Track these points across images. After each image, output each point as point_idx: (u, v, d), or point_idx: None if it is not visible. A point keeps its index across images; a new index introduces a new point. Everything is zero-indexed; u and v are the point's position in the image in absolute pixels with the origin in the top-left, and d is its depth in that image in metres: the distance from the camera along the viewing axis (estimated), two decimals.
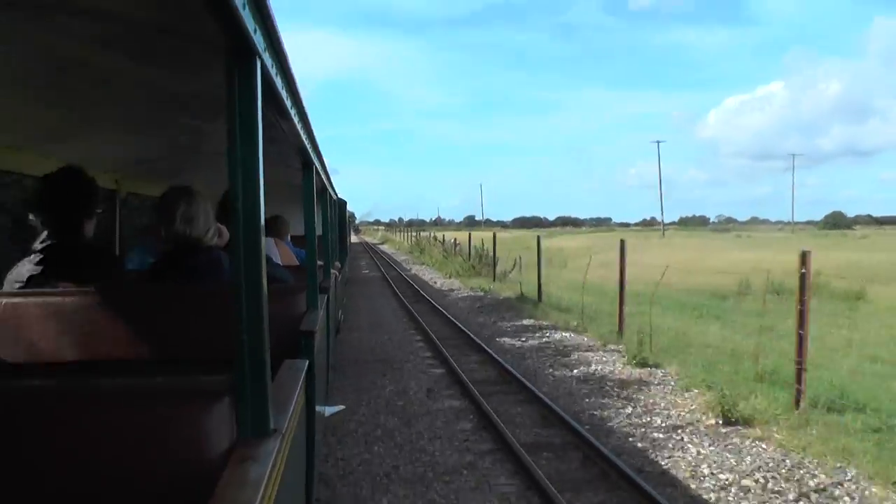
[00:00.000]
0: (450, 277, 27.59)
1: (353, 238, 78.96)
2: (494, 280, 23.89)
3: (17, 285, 3.32)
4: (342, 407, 8.31)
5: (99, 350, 3.07)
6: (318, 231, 4.80)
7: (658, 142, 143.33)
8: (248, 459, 1.67)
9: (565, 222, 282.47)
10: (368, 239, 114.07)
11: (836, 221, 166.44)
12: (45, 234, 3.37)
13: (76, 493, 1.81)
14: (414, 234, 71.14)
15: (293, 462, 2.24)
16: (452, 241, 37.63)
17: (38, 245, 3.39)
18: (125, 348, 3.09)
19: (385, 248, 68.77)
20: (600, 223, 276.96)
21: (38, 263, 3.34)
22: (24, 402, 1.90)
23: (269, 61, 1.89)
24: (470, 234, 33.50)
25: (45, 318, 3.06)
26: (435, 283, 26.04)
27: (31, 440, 1.81)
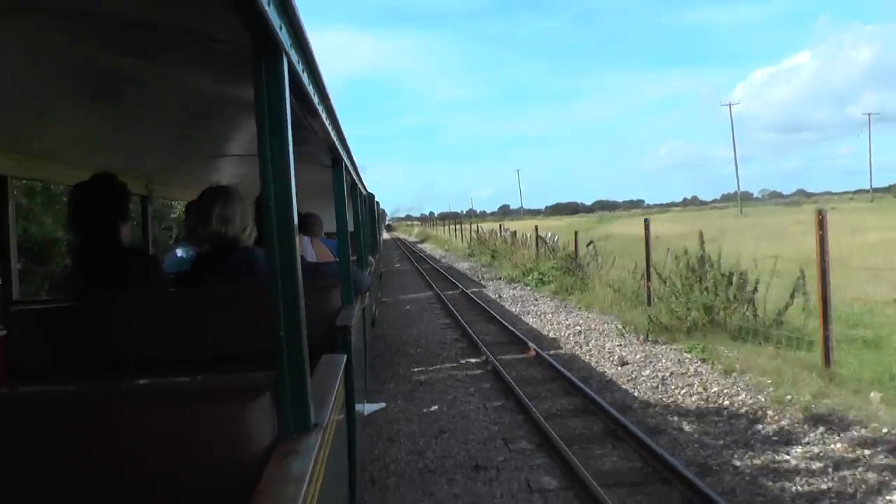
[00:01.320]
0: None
1: (385, 235, 67.96)
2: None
3: (56, 291, 3.38)
4: (383, 405, 8.25)
5: (139, 354, 3.11)
6: (350, 227, 4.80)
7: (730, 104, 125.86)
8: (290, 454, 1.68)
9: (603, 206, 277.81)
10: (403, 236, 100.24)
11: None
12: (80, 238, 3.42)
13: (117, 496, 1.83)
14: (455, 226, 62.20)
15: (335, 457, 2.25)
16: (511, 233, 30.17)
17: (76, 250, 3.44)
18: (165, 351, 3.12)
19: (427, 248, 54.57)
20: (633, 206, 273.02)
21: (75, 267, 3.39)
22: (65, 406, 1.92)
23: (295, 58, 1.89)
24: (536, 226, 26.18)
25: (84, 324, 3.10)
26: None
27: (70, 444, 1.83)
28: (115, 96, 3.23)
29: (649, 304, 13.25)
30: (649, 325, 11.20)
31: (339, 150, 3.75)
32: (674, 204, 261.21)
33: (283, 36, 1.70)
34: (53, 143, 3.79)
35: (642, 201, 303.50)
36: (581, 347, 11.05)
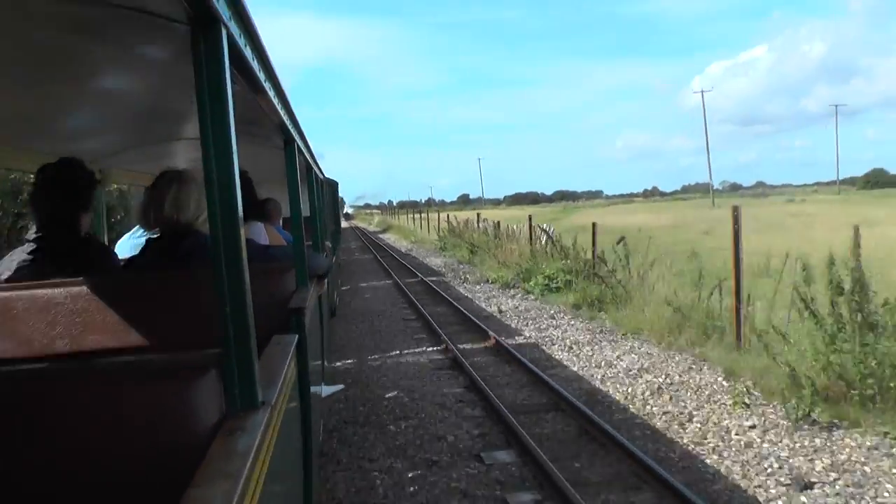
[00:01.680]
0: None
1: (343, 224, 66.01)
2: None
3: (6, 274, 3.31)
4: (341, 386, 8.26)
5: (91, 341, 3.06)
6: (306, 212, 4.77)
7: (703, 91, 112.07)
8: (236, 431, 1.67)
9: (564, 196, 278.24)
10: (363, 225, 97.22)
11: (879, 179, 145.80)
12: (36, 225, 3.36)
13: (66, 470, 1.82)
14: (417, 215, 61.30)
15: (286, 436, 2.25)
16: (495, 224, 26.16)
17: (31, 235, 3.37)
18: (117, 338, 3.08)
19: (390, 238, 51.32)
20: (593, 196, 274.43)
21: (30, 254, 3.32)
22: (13, 385, 1.90)
23: (235, 30, 1.86)
24: (530, 216, 22.09)
25: (35, 311, 3.05)
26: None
27: (20, 422, 1.82)
28: (59, 76, 3.15)
29: (739, 340, 8.83)
30: (811, 394, 6.54)
31: (291, 130, 3.72)
32: (634, 195, 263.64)
33: (221, 6, 1.67)
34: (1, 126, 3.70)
35: (601, 192, 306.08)
36: (686, 430, 6.53)
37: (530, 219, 21.56)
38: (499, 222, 25.93)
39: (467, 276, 21.05)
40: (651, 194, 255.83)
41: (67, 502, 1.84)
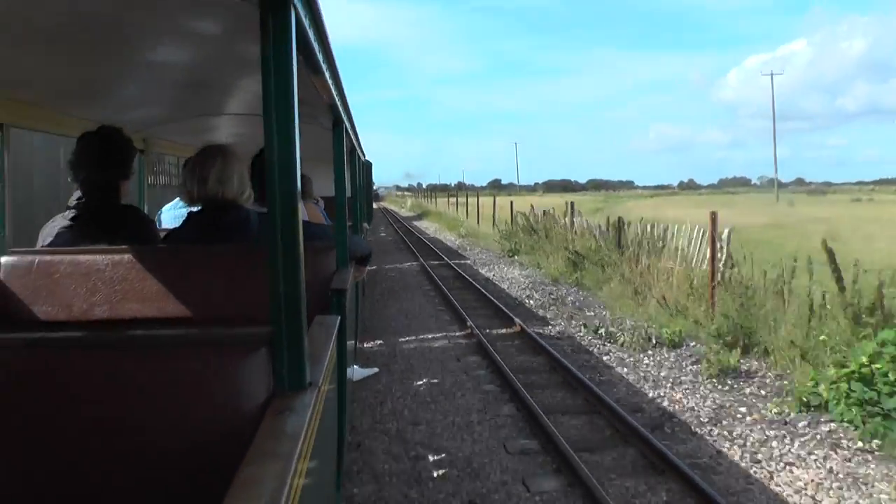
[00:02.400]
0: None
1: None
2: None
3: (49, 240, 3.35)
4: (375, 370, 8.25)
5: (130, 309, 3.10)
6: (348, 193, 4.79)
7: (772, 74, 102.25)
8: (285, 411, 1.68)
9: (596, 185, 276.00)
10: (394, 208, 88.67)
11: None
12: (78, 192, 3.40)
13: (112, 443, 1.84)
14: (452, 199, 56.71)
15: (327, 417, 2.26)
16: (611, 223, 16.69)
17: (72, 201, 3.41)
18: (156, 307, 3.11)
19: (428, 228, 41.04)
20: (623, 186, 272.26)
21: (71, 220, 3.36)
22: (61, 353, 1.92)
23: (303, 12, 1.87)
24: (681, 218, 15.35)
25: (77, 277, 3.09)
26: None
27: (66, 392, 1.84)
28: (113, 46, 3.17)
29: None
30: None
31: (341, 111, 3.72)
32: (667, 187, 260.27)
33: None
34: (49, 92, 3.74)
35: (632, 182, 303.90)
36: None
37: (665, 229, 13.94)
38: (622, 220, 15.85)
39: (594, 320, 11.79)
40: (687, 187, 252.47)
41: (106, 475, 1.86)
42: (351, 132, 5.02)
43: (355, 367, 5.29)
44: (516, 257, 22.03)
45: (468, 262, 21.63)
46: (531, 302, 13.84)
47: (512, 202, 29.52)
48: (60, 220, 3.42)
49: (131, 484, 1.85)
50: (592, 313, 12.51)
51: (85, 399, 1.85)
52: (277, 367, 1.79)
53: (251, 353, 1.82)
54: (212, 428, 1.84)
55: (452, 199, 57.56)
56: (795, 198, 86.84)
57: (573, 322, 11.69)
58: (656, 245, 14.00)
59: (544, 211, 23.90)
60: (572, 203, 20.62)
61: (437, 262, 20.93)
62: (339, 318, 2.94)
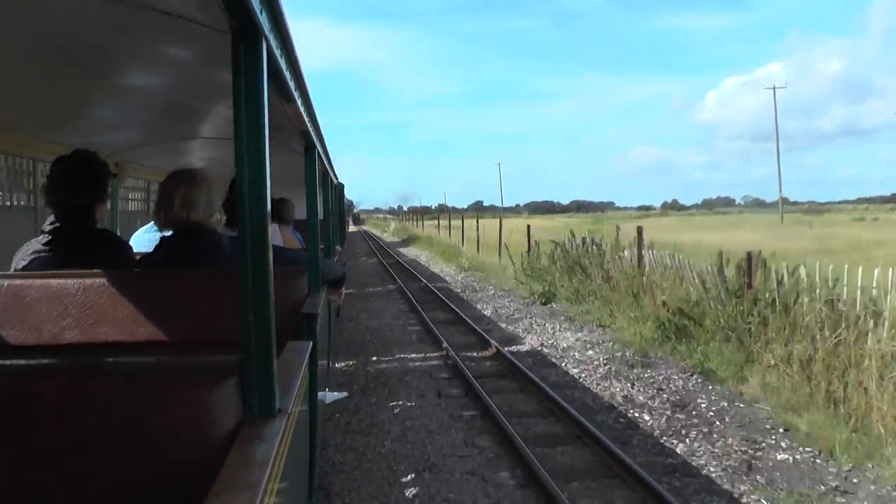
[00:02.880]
0: None
1: (351, 228, 60.83)
2: None
3: (22, 264, 3.33)
4: (345, 394, 8.19)
5: (101, 334, 3.08)
6: (320, 216, 4.80)
7: (774, 88, 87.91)
8: (254, 439, 1.68)
9: (580, 207, 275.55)
10: (376, 232, 79.11)
11: None
12: (52, 216, 3.38)
13: (79, 469, 1.83)
14: (433, 222, 54.83)
15: (297, 443, 2.26)
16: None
17: (46, 226, 3.39)
18: (127, 332, 3.09)
19: (420, 257, 33.98)
20: (605, 207, 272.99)
21: (45, 244, 3.35)
22: (28, 379, 1.91)
23: (274, 42, 1.89)
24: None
25: (48, 301, 3.07)
26: None
27: (34, 418, 1.83)
28: (88, 71, 3.18)
29: None
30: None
31: (313, 137, 3.74)
32: (649, 207, 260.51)
33: (263, 20, 1.70)
34: (23, 116, 3.74)
35: (613, 203, 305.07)
36: None
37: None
38: (752, 257, 9.57)
39: (793, 479, 5.82)
40: (671, 207, 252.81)
41: (73, 502, 1.84)
42: (323, 156, 5.05)
43: (327, 390, 5.27)
44: (553, 305, 15.30)
45: (487, 312, 14.70)
46: (640, 415, 7.51)
47: (501, 224, 26.24)
48: (35, 245, 3.40)
49: None
50: (776, 455, 6.32)
51: (52, 425, 1.84)
52: (247, 394, 1.79)
53: (221, 380, 1.82)
54: (181, 456, 1.83)
55: (438, 223, 52.36)
56: (798, 218, 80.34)
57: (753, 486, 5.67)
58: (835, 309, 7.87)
59: (585, 238, 16.99)
60: (640, 229, 13.67)
61: (444, 317, 13.91)
62: (311, 343, 2.95)
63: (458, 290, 19.10)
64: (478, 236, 30.57)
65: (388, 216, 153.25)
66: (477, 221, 32.89)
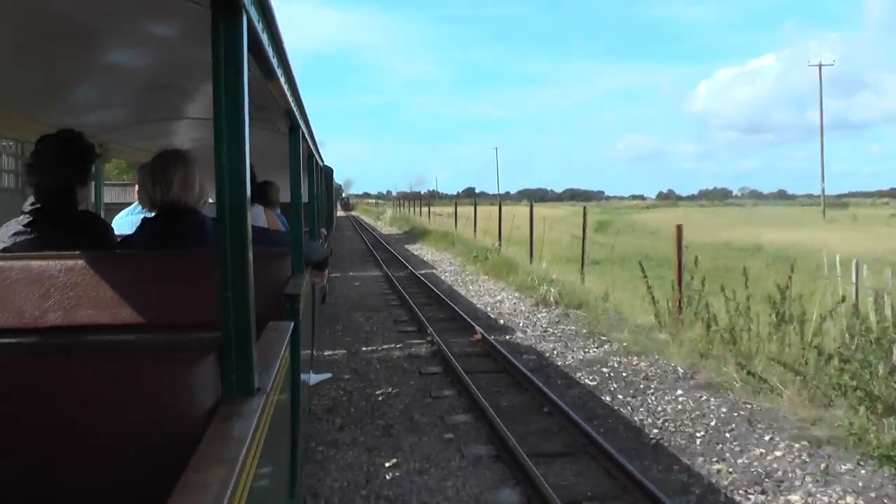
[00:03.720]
0: None
1: (339, 213, 54.08)
2: None
3: (2, 246, 3.30)
4: (329, 375, 8.26)
5: (84, 315, 3.06)
6: (304, 198, 4.78)
7: (820, 65, 76.56)
8: (232, 417, 1.68)
9: (574, 195, 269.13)
10: (368, 220, 70.11)
11: None
12: (32, 197, 3.35)
13: (58, 448, 1.82)
14: (428, 208, 48.99)
15: (278, 423, 2.25)
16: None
17: (27, 207, 3.36)
18: (110, 314, 3.08)
19: (450, 272, 21.11)
20: (595, 196, 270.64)
21: (26, 226, 3.32)
22: (10, 361, 1.90)
23: (255, 16, 1.87)
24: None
25: (29, 282, 3.04)
26: None
27: (11, 396, 1.82)
28: (70, 49, 3.15)
29: None
30: None
31: (297, 116, 3.72)
32: (642, 197, 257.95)
33: None
34: (6, 96, 3.69)
35: (603, 192, 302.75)
36: None
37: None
38: None
39: None
40: (666, 197, 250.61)
41: (54, 479, 1.84)
42: (308, 137, 5.02)
43: (311, 372, 5.28)
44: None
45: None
46: None
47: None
48: (15, 226, 3.37)
49: (79, 486, 1.84)
50: None
51: (34, 404, 1.83)
52: (226, 372, 1.79)
53: (200, 358, 1.82)
54: (160, 432, 1.83)
55: (441, 210, 44.66)
56: (832, 214, 70.83)
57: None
58: None
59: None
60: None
61: None
62: (293, 323, 2.94)
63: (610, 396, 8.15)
64: (500, 229, 23.30)
65: (378, 202, 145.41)
66: (500, 211, 24.52)
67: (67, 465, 1.83)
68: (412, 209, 61.85)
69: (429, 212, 48.30)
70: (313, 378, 7.17)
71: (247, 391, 1.80)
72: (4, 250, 3.26)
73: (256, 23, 1.91)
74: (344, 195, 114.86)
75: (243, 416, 1.69)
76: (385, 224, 57.67)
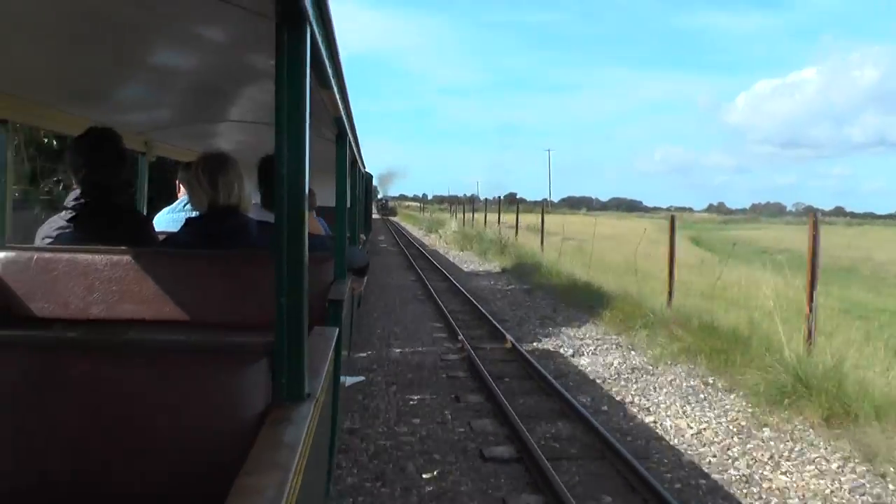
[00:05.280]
0: None
1: (375, 215, 46.15)
2: None
3: (47, 241, 3.37)
4: (362, 378, 8.29)
5: (127, 310, 3.12)
6: (348, 204, 4.82)
7: None
8: (283, 422, 1.70)
9: (619, 205, 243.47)
10: (415, 232, 48.95)
11: None
12: (77, 191, 3.41)
13: (104, 447, 1.84)
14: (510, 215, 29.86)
15: (322, 428, 2.27)
16: None
17: (70, 202, 3.42)
18: (153, 310, 3.13)
19: None
20: (632, 207, 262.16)
21: (69, 220, 3.38)
22: (56, 353, 1.93)
23: (317, 29, 1.90)
24: None
25: (75, 275, 3.11)
26: None
27: (60, 393, 1.85)
28: (123, 49, 3.20)
29: None
30: None
31: (346, 124, 3.75)
32: (687, 210, 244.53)
33: (309, 6, 1.71)
34: (54, 90, 3.76)
35: (640, 202, 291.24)
36: None
37: None
38: None
39: None
40: (716, 210, 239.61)
41: (99, 476, 1.86)
42: (354, 144, 5.06)
43: (346, 376, 5.32)
44: None
45: None
46: None
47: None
48: (58, 220, 3.44)
49: (126, 483, 1.85)
50: None
51: (79, 399, 1.85)
52: (277, 377, 1.80)
53: (251, 362, 1.84)
54: (208, 435, 1.85)
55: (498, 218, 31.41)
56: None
57: None
58: None
59: None
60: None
61: None
62: (337, 329, 2.96)
63: None
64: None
65: (422, 205, 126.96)
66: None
67: (111, 461, 1.84)
68: (454, 215, 48.79)
69: (496, 220, 32.16)
70: (348, 380, 7.22)
71: (297, 396, 1.81)
72: (49, 244, 3.33)
73: (318, 34, 1.93)
74: (381, 196, 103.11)
75: (294, 423, 1.70)
76: (450, 245, 33.84)
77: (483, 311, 13.47)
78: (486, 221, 34.85)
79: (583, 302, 14.40)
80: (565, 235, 21.67)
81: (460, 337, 10.81)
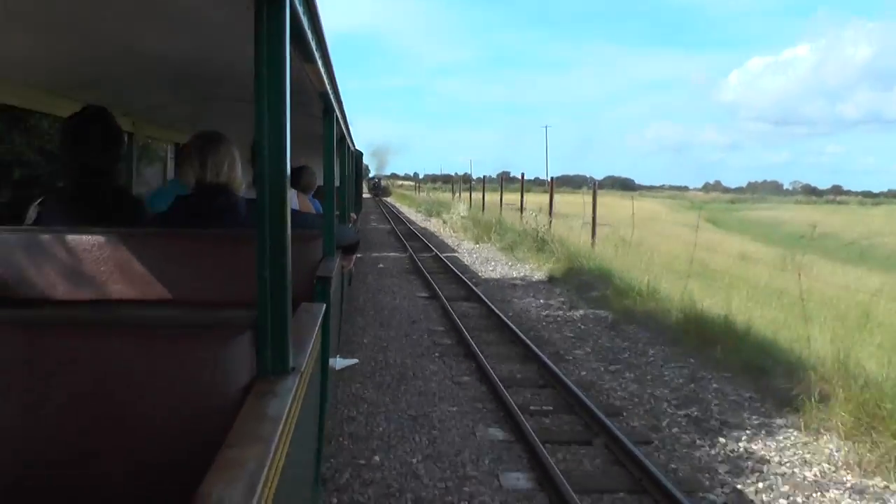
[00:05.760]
0: None
1: (365, 194, 44.80)
2: None
3: (35, 219, 3.36)
4: (355, 361, 8.28)
5: (115, 290, 3.11)
6: (337, 182, 4.81)
7: None
8: (267, 394, 1.70)
9: (614, 183, 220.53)
10: (411, 215, 42.05)
11: None
12: (66, 173, 3.40)
13: (93, 422, 1.85)
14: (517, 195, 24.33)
15: (308, 404, 2.28)
16: None
17: (60, 183, 3.41)
18: (141, 289, 3.12)
19: None
20: (630, 186, 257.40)
21: (59, 201, 3.37)
22: (43, 332, 1.93)
23: (298, 1, 1.88)
24: None
25: (63, 256, 3.10)
26: None
27: (47, 371, 1.85)
28: (109, 28, 3.18)
29: None
30: None
31: (332, 100, 3.73)
32: (682, 188, 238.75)
33: None
34: (41, 71, 3.74)
35: (632, 181, 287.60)
36: None
37: None
38: None
39: None
40: (713, 189, 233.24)
41: (87, 453, 1.86)
42: (341, 120, 5.04)
43: (338, 357, 5.32)
44: None
45: None
46: None
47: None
48: (47, 200, 3.43)
49: (113, 459, 1.86)
50: None
51: (68, 377, 1.85)
52: (261, 350, 1.81)
53: (235, 335, 1.84)
54: (195, 407, 1.85)
55: (463, 194, 32.69)
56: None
57: None
58: None
59: None
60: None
61: None
62: (325, 305, 2.96)
63: None
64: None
65: (417, 184, 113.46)
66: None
67: (100, 438, 1.85)
68: (457, 195, 43.23)
69: (493, 201, 29.35)
70: (339, 362, 7.21)
71: (281, 370, 1.82)
72: (36, 223, 3.32)
73: (298, 5, 1.92)
74: (373, 175, 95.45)
75: (278, 395, 1.71)
76: (458, 234, 27.20)
77: (563, 377, 7.20)
78: (483, 203, 30.66)
79: (733, 359, 7.91)
80: (585, 219, 17.23)
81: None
